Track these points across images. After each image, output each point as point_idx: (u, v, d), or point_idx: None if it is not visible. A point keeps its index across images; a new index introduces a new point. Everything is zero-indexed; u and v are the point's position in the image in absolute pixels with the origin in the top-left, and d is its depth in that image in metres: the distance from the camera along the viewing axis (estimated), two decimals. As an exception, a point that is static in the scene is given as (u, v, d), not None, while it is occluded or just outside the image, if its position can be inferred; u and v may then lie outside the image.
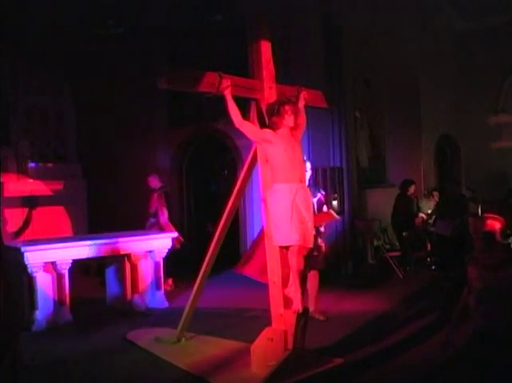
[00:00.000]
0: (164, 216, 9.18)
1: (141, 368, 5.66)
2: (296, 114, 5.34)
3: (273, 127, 5.29)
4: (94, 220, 9.51)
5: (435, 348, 4.65)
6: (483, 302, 4.00)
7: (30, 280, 7.11)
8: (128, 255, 7.91)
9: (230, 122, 5.32)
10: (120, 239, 7.97)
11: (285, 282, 5.28)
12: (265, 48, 5.57)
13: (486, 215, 4.86)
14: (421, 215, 10.88)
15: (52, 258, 7.26)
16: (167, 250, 8.25)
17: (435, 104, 13.22)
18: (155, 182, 9.38)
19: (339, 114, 10.26)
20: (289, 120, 5.27)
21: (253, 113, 5.50)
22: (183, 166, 12.63)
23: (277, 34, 6.79)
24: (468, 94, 13.79)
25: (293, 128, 5.38)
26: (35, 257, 7.12)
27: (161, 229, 9.06)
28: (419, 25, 12.56)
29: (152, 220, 9.24)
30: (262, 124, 5.39)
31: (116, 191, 12.41)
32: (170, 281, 9.09)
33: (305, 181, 5.36)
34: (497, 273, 4.00)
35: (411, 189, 10.67)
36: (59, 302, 7.27)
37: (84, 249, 7.60)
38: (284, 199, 5.13)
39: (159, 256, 8.17)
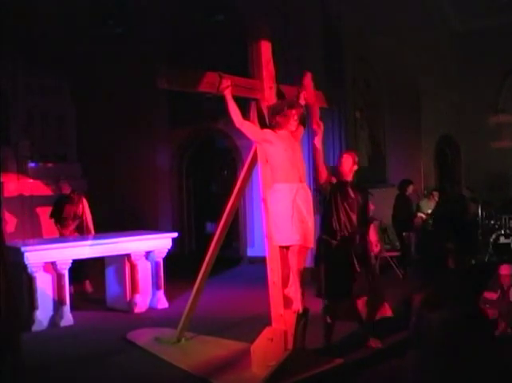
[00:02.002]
0: (90, 219, 9.33)
1: (141, 368, 5.66)
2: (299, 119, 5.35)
3: (274, 126, 5.28)
4: (94, 220, 9.52)
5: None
6: (414, 347, 3.22)
7: (30, 280, 7.11)
8: (128, 255, 7.91)
9: (230, 122, 5.31)
10: (120, 239, 7.97)
11: (285, 282, 5.28)
12: (265, 48, 5.57)
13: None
14: (420, 214, 10.86)
15: (52, 258, 7.25)
16: (166, 250, 8.25)
17: (435, 104, 13.22)
18: (66, 188, 9.41)
19: (339, 114, 10.26)
20: (293, 124, 5.28)
21: (253, 113, 5.50)
22: (183, 166, 12.64)
23: (277, 34, 6.77)
24: (468, 94, 13.79)
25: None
26: (35, 257, 7.12)
27: (85, 233, 9.17)
28: (419, 25, 12.56)
29: (76, 224, 9.23)
30: (262, 124, 5.39)
31: (115, 191, 12.42)
32: (87, 283, 9.03)
33: (305, 181, 5.34)
34: (433, 313, 3.14)
35: (410, 189, 10.64)
36: (59, 302, 7.27)
37: (84, 249, 7.60)
38: (284, 198, 5.12)
39: (159, 256, 8.17)
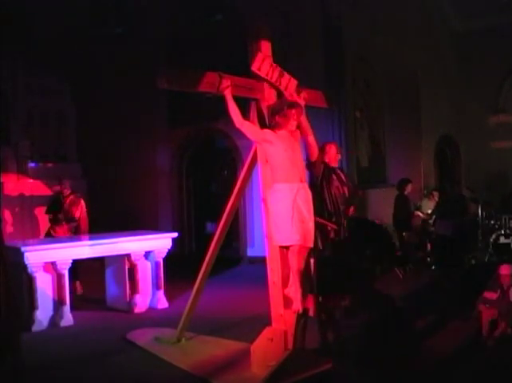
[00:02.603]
0: (87, 221, 9.29)
1: (141, 368, 5.65)
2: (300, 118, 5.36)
3: (274, 126, 5.28)
4: (94, 220, 9.52)
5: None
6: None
7: (30, 280, 7.10)
8: (128, 255, 7.91)
9: (230, 122, 5.31)
10: (120, 239, 7.97)
11: (285, 282, 5.28)
12: (265, 48, 5.57)
13: None
14: (417, 213, 10.85)
15: (52, 258, 7.25)
16: (166, 250, 8.25)
17: (435, 104, 13.24)
18: (67, 188, 9.34)
19: (339, 114, 10.27)
20: (293, 124, 5.28)
21: (253, 113, 5.49)
22: (183, 166, 12.64)
23: (277, 34, 6.77)
24: (468, 94, 13.80)
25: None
26: (35, 257, 7.11)
27: (81, 233, 9.13)
28: (419, 25, 12.57)
29: (72, 226, 9.19)
30: (262, 124, 5.39)
31: (115, 191, 12.43)
32: (77, 284, 8.97)
33: (305, 181, 5.34)
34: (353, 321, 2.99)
35: (408, 188, 10.60)
36: (59, 302, 7.27)
37: (84, 249, 7.60)
38: (285, 198, 5.12)
39: (159, 256, 8.17)
